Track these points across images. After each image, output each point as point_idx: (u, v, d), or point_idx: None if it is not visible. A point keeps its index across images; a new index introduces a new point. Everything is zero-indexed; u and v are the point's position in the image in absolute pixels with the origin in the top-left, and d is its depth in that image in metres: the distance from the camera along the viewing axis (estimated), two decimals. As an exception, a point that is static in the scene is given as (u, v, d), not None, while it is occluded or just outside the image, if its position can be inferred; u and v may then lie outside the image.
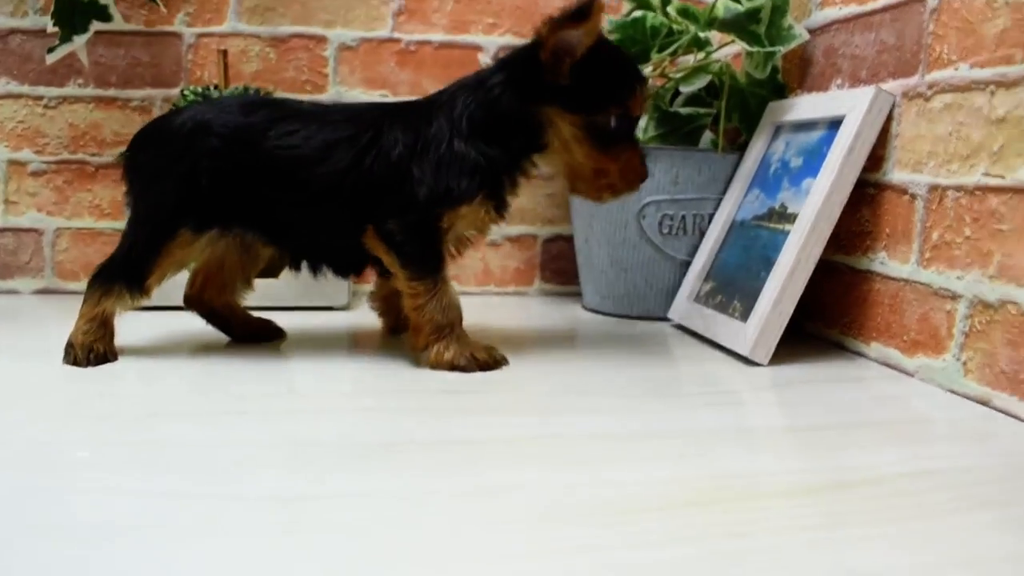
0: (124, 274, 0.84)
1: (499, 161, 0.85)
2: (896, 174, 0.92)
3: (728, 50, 1.18)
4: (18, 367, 0.85)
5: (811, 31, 1.08)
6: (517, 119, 0.85)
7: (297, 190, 0.85)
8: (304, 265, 0.91)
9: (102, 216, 1.27)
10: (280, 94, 1.25)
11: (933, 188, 0.86)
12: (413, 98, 0.96)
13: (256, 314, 0.99)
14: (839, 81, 1.03)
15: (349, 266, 0.92)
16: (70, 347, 0.84)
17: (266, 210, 0.86)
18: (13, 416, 0.68)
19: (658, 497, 0.55)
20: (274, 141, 0.84)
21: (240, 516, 0.50)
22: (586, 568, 0.45)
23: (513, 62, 0.87)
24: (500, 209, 0.87)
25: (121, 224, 1.25)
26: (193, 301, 0.95)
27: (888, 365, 0.92)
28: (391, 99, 1.31)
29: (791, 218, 0.96)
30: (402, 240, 0.84)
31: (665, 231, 1.14)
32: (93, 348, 0.84)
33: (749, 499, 0.55)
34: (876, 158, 0.94)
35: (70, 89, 1.25)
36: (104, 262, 0.86)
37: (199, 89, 1.13)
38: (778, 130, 1.09)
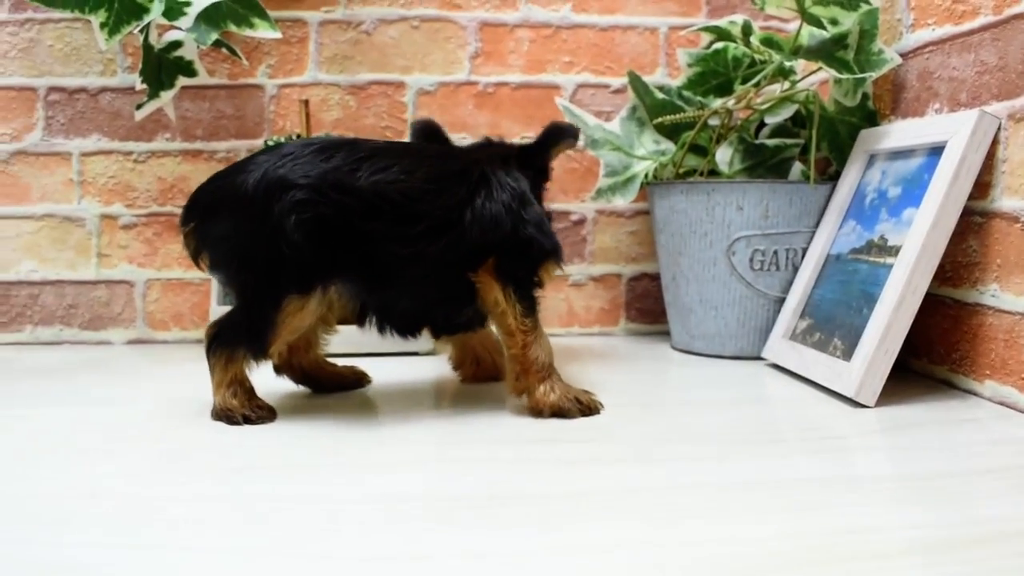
0: (247, 341, 0.83)
1: None
2: (1006, 201, 0.87)
3: (815, 78, 1.15)
4: (111, 418, 0.85)
5: (903, 55, 1.04)
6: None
7: (411, 224, 0.81)
8: (374, 320, 0.89)
9: (190, 266, 1.29)
10: (360, 141, 1.26)
11: (1049, 215, 0.81)
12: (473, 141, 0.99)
13: (339, 361, 0.98)
14: (936, 106, 0.99)
15: (419, 324, 0.90)
16: (225, 413, 0.83)
17: (369, 255, 0.82)
18: (105, 469, 0.68)
19: (771, 556, 0.51)
20: (370, 178, 0.81)
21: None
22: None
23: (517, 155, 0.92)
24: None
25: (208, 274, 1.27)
26: (284, 368, 0.94)
27: (1005, 404, 0.86)
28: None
29: (892, 251, 0.91)
30: (523, 276, 0.85)
31: (756, 267, 1.10)
32: (260, 405, 0.85)
33: (872, 558, 0.51)
34: (982, 185, 0.89)
35: (158, 143, 1.29)
36: (221, 324, 0.84)
37: (282, 139, 1.15)
38: (872, 159, 1.05)
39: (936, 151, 0.92)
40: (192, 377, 1.01)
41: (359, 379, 0.97)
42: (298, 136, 1.16)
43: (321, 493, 0.63)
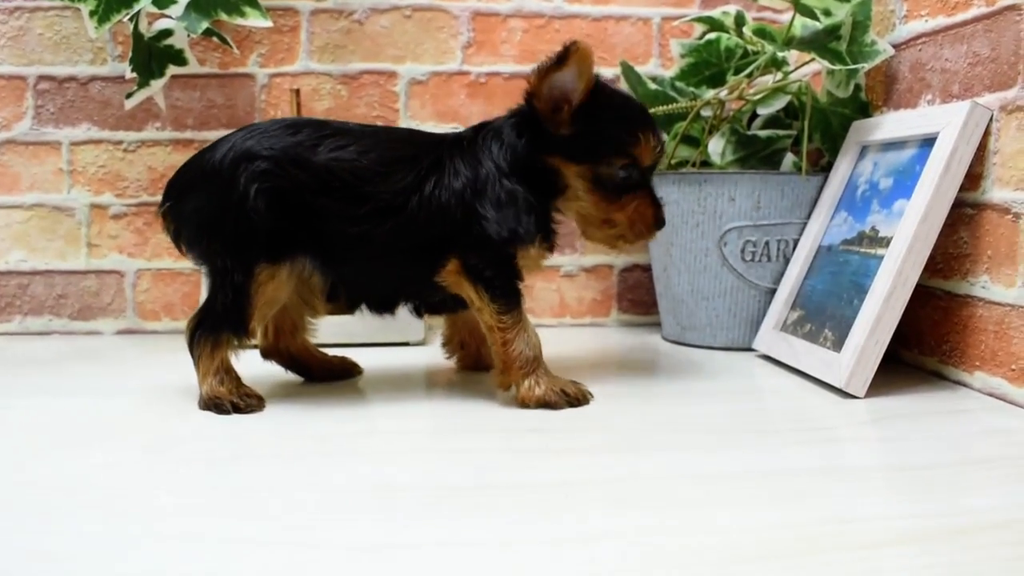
0: (227, 321, 0.83)
1: (541, 203, 0.85)
2: (996, 192, 0.87)
3: (807, 69, 1.15)
4: (101, 408, 0.85)
5: (895, 46, 1.04)
6: (534, 166, 0.85)
7: (357, 204, 0.82)
8: (345, 296, 0.89)
9: (181, 256, 1.28)
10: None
11: (1040, 206, 0.81)
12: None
13: (332, 351, 0.98)
14: (929, 97, 0.99)
15: (391, 302, 0.90)
16: (214, 401, 0.82)
17: (323, 231, 0.83)
18: (98, 459, 0.68)
19: (762, 545, 0.51)
20: (327, 155, 0.82)
21: (323, 566, 0.48)
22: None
23: (519, 112, 0.88)
24: (551, 248, 0.88)
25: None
26: (271, 352, 0.94)
27: (994, 396, 0.86)
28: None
29: (884, 242, 0.92)
30: (491, 275, 0.82)
31: (748, 258, 1.10)
32: (248, 392, 0.84)
33: (862, 548, 0.51)
34: (973, 176, 0.90)
35: (148, 133, 1.28)
36: (200, 312, 0.85)
37: (273, 128, 1.14)
38: (864, 150, 1.05)
39: (928, 142, 0.92)
40: (182, 367, 1.01)
41: (349, 369, 0.97)
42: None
43: (310, 482, 0.63)
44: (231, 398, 0.82)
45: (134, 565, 0.48)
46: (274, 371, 0.95)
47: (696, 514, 0.57)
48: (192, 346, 0.84)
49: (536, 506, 0.58)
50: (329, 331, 0.97)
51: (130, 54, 1.11)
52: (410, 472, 0.65)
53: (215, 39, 1.14)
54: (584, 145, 0.84)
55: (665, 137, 1.15)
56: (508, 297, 0.83)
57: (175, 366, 1.02)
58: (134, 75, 1.12)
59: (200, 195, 0.84)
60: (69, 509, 0.57)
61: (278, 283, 0.83)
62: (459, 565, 0.49)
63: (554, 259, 1.29)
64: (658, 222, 0.87)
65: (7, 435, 0.76)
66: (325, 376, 0.96)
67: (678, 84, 1.19)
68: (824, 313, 0.97)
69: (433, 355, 1.09)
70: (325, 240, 0.83)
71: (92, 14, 1.05)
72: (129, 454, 0.70)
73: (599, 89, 0.84)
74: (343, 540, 0.52)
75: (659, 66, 1.33)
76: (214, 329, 0.83)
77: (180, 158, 1.28)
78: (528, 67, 1.30)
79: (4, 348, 1.19)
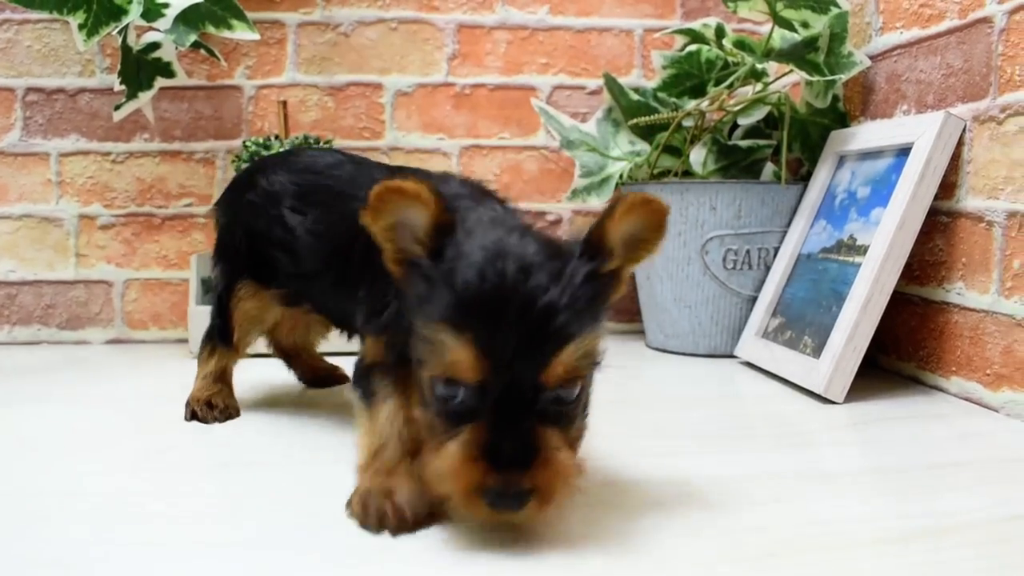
0: (218, 333, 0.85)
1: None
2: (970, 201, 0.89)
3: (786, 80, 1.17)
4: (91, 417, 0.86)
5: (872, 57, 1.06)
6: None
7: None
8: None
9: (169, 266, 1.29)
10: (339, 142, 1.27)
11: (1012, 215, 0.83)
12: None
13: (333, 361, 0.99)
14: (904, 107, 1.01)
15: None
16: (189, 404, 0.83)
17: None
18: (88, 467, 0.69)
19: (741, 547, 0.53)
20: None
21: (311, 571, 0.49)
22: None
23: None
24: None
25: (186, 274, 1.27)
26: (268, 339, 0.95)
27: (970, 400, 0.88)
28: (447, 143, 1.32)
29: (861, 250, 0.93)
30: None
31: (729, 266, 1.12)
32: (211, 401, 0.83)
33: (840, 548, 0.53)
34: (948, 185, 0.92)
35: (137, 144, 1.29)
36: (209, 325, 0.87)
37: (260, 140, 1.15)
38: (842, 160, 1.07)
39: (904, 152, 0.94)
40: (170, 376, 1.02)
41: (337, 379, 0.98)
42: (276, 137, 1.16)
43: (298, 490, 0.64)
44: (200, 405, 0.83)
45: (130, 572, 0.49)
46: (267, 379, 0.96)
47: (675, 516, 0.58)
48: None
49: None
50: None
51: (119, 66, 1.11)
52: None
53: (203, 51, 1.15)
54: None
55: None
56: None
57: (164, 375, 1.03)
58: (123, 87, 1.13)
59: (219, 207, 0.88)
60: (59, 517, 0.58)
61: (258, 302, 0.83)
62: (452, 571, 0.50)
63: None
64: None
65: (-2, 445, 0.77)
66: (312, 380, 0.97)
67: (660, 95, 1.21)
68: (804, 320, 0.99)
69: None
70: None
71: (81, 27, 1.05)
72: (122, 462, 0.71)
73: None
74: (334, 549, 0.53)
75: (641, 77, 1.35)
76: (210, 338, 0.86)
77: (168, 169, 1.29)
78: (513, 79, 1.32)
79: (-8, 359, 1.19)
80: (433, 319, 0.51)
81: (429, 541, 0.54)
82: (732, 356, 1.13)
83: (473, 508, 0.50)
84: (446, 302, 0.51)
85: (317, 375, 0.98)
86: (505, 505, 0.49)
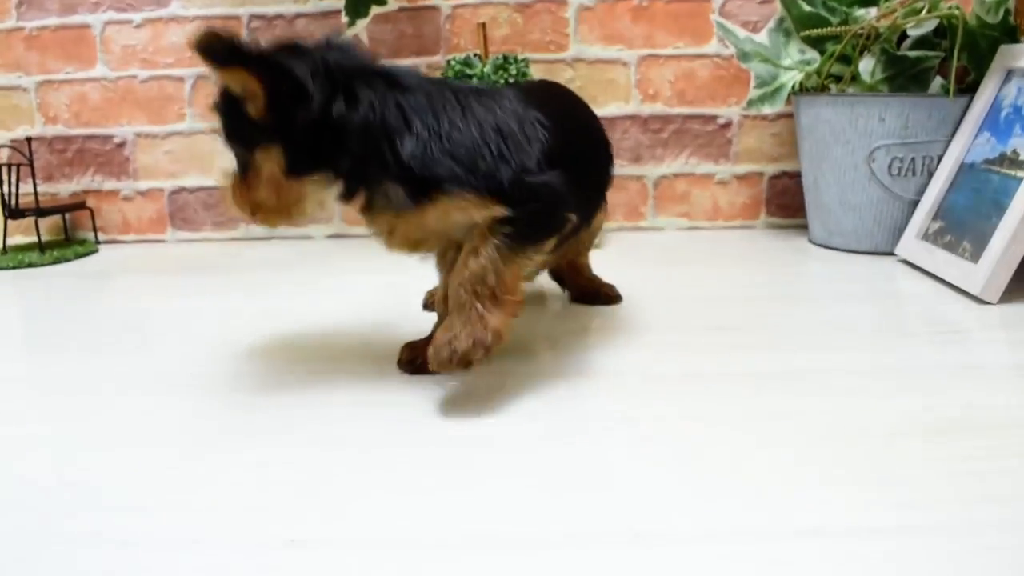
0: None
1: None
2: None
3: (959, -8, 1.21)
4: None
5: (1048, -29, 1.10)
6: None
7: None
8: None
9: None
10: (527, 55, 1.40)
11: None
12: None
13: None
14: (1077, 24, 1.05)
15: None
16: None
17: None
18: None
19: (912, 424, 0.67)
20: None
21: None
22: (851, 480, 0.58)
23: None
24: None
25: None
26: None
27: (1120, 301, 0.97)
28: (626, 54, 1.43)
29: (1023, 165, 1.02)
30: None
31: (894, 173, 1.21)
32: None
33: (990, 428, 0.66)
34: (1114, 103, 0.98)
35: (350, 62, 1.45)
36: None
37: (461, 57, 1.30)
38: (1009, 74, 1.13)
39: (1072, 70, 1.00)
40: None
41: (605, 298, 1.03)
42: (476, 55, 1.31)
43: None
44: None
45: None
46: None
47: (851, 401, 0.72)
48: None
49: (727, 393, 0.75)
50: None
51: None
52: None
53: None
54: None
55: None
56: None
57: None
58: (346, 19, 1.29)
59: None
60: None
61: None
62: (671, 437, 0.67)
63: (707, 167, 1.44)
64: None
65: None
66: (579, 297, 1.04)
67: (831, 4, 1.27)
68: (964, 226, 1.08)
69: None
70: None
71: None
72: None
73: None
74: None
75: (812, -16, 1.40)
76: None
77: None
78: (687, -10, 1.41)
79: (237, 254, 1.43)
80: None
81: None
82: (892, 254, 1.23)
83: None
84: None
85: (583, 293, 1.05)
86: None
